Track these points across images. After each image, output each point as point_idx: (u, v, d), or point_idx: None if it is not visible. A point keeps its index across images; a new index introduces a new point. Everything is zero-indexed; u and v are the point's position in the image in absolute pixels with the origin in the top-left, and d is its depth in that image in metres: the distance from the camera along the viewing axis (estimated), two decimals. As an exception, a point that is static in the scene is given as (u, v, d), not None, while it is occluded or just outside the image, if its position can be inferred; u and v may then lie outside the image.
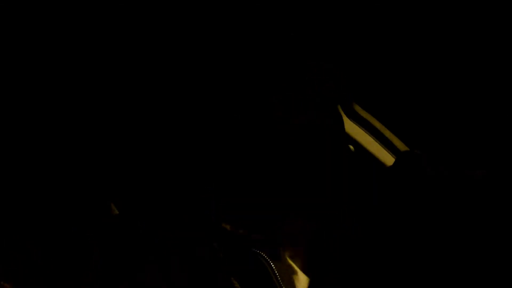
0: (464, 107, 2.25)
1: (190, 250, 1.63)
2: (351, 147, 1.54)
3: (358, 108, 2.04)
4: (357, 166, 1.69)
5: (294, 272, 1.61)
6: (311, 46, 1.82)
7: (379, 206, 1.73)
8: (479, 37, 2.25)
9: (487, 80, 2.25)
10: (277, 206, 1.68)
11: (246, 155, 1.80)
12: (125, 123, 2.44)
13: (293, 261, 1.63)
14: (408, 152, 1.84)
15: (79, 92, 2.39)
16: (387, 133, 2.05)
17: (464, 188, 1.73)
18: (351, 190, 1.77)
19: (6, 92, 2.29)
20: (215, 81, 1.93)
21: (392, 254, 1.63)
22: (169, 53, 2.33)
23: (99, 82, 2.39)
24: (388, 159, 1.98)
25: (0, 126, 2.30)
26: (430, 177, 1.62)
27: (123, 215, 2.21)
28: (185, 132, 2.19)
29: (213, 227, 1.66)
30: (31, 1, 2.22)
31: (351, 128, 1.54)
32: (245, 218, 1.68)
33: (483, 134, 2.21)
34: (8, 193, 2.18)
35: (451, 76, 2.24)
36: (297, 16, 1.98)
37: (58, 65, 2.34)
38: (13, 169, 2.27)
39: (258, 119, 1.74)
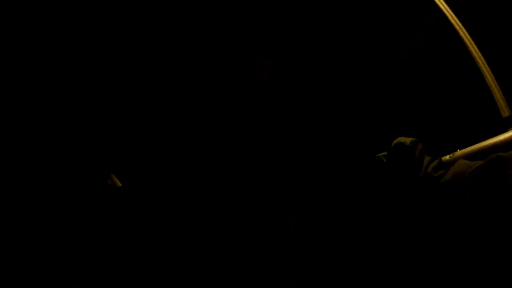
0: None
1: (190, 250, 1.63)
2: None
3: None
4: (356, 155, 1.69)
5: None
6: (311, 46, 1.82)
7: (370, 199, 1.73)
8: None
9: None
10: (276, 202, 1.69)
11: (245, 154, 1.81)
12: (125, 123, 2.44)
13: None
14: (399, 143, 1.82)
15: (79, 92, 2.39)
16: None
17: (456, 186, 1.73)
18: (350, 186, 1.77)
19: (6, 92, 2.29)
20: (215, 81, 1.93)
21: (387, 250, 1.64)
22: (169, 53, 2.33)
23: (99, 82, 2.39)
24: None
25: (1, 126, 2.30)
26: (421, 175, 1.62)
27: (123, 214, 2.21)
28: (185, 132, 2.20)
29: (211, 226, 1.66)
30: (31, 1, 2.22)
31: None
32: (242, 214, 1.68)
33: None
34: (8, 191, 2.18)
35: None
36: (297, 16, 1.99)
37: (58, 65, 2.34)
38: (13, 167, 2.27)
39: (258, 118, 1.74)
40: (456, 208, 1.75)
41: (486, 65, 1.95)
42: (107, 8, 2.26)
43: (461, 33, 1.99)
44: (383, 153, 1.75)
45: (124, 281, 1.69)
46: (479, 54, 1.98)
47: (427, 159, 1.80)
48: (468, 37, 2.00)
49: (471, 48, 2.00)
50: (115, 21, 2.30)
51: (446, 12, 2.01)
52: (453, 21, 2.01)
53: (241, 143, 1.87)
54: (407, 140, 1.81)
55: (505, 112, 1.88)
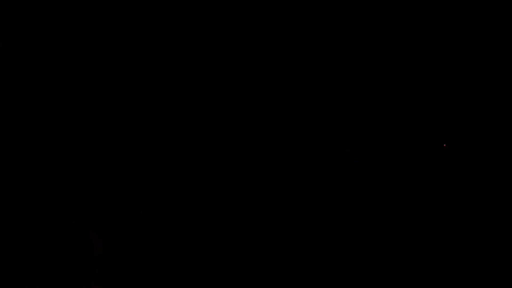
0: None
1: (190, 250, 1.63)
2: None
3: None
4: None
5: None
6: (311, 47, 1.83)
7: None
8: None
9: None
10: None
11: (247, 154, 1.81)
12: (125, 123, 2.44)
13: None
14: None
15: (79, 92, 2.39)
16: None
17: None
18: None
19: (7, 92, 2.30)
20: (215, 82, 1.93)
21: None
22: (170, 54, 2.33)
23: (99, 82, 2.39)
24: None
25: (2, 126, 2.30)
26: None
27: (125, 213, 2.21)
28: (185, 132, 2.20)
29: (211, 226, 1.66)
30: (31, 1, 2.22)
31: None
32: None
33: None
34: (9, 192, 2.18)
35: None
36: (297, 16, 1.99)
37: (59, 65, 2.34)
38: (14, 169, 2.27)
39: (258, 119, 1.75)
40: (457, 209, 1.75)
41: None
42: (112, 8, 2.26)
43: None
44: None
45: (124, 281, 1.69)
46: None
47: None
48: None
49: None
50: (117, 22, 2.30)
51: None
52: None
53: (241, 143, 1.87)
54: None
55: None
